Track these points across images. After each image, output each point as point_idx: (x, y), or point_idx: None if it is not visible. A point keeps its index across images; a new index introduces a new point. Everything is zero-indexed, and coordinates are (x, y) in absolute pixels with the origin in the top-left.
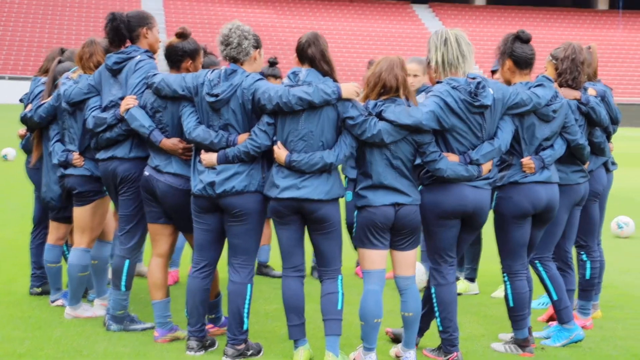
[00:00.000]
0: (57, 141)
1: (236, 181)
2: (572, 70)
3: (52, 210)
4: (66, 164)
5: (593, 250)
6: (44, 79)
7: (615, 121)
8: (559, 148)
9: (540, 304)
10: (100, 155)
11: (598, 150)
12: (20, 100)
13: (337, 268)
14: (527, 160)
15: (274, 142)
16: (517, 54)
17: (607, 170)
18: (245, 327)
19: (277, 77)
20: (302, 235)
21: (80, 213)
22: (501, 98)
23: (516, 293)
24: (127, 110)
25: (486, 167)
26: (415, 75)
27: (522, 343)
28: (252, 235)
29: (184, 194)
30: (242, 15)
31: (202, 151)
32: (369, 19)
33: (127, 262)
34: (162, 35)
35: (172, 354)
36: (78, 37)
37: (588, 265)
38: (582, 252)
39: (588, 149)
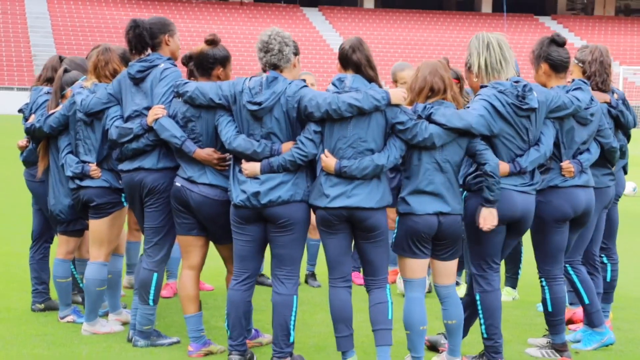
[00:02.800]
0: (69, 152)
1: (282, 191)
2: (601, 72)
3: (62, 223)
4: (82, 176)
5: (613, 253)
6: (46, 88)
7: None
8: (595, 152)
9: None
10: (125, 166)
11: (621, 153)
12: (20, 111)
13: (385, 277)
14: (566, 164)
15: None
16: (553, 58)
17: (625, 173)
18: (292, 339)
19: None
20: (350, 244)
21: (98, 226)
22: (544, 101)
23: (554, 298)
24: (156, 120)
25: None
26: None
27: (560, 348)
28: (298, 245)
29: (219, 204)
30: (128, 17)
31: (243, 161)
32: (260, 22)
33: (155, 275)
34: (49, 40)
35: None
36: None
37: (609, 267)
38: (602, 255)
39: (619, 152)
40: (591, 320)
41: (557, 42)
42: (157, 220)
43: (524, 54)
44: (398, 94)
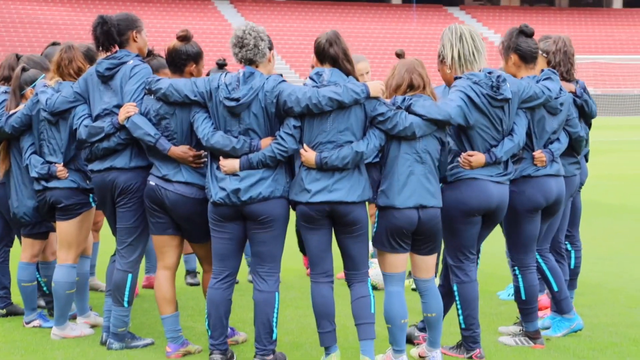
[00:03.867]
0: (32, 153)
1: (262, 187)
2: (565, 62)
3: (26, 226)
4: (48, 177)
5: (577, 240)
6: (3, 87)
7: None
8: (564, 141)
9: (509, 295)
10: (95, 166)
11: (584, 142)
12: None
13: (366, 271)
14: (538, 153)
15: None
16: (522, 48)
17: (586, 161)
18: (274, 336)
19: None
20: (330, 239)
21: (66, 227)
22: (517, 91)
23: (528, 286)
24: (128, 118)
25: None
26: (367, 73)
27: (533, 335)
28: (279, 242)
29: (195, 203)
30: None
31: (221, 158)
32: (171, 16)
33: (129, 276)
34: None
35: None
36: None
37: (573, 254)
38: (566, 242)
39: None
40: (560, 308)
41: (526, 32)
42: (131, 221)
43: (435, 45)
44: (377, 87)
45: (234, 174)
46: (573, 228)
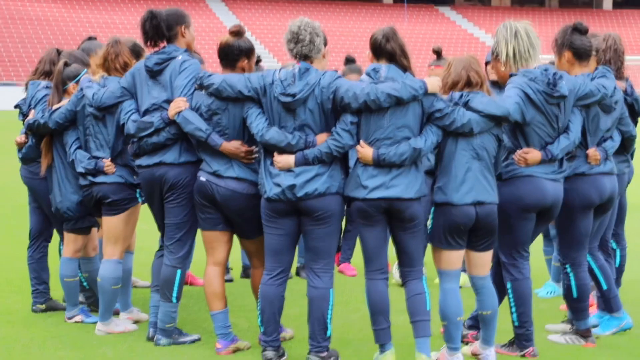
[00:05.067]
0: (77, 148)
1: (318, 183)
2: (616, 60)
3: (69, 221)
4: (95, 172)
5: (622, 239)
6: (44, 82)
7: None
8: (617, 139)
9: (548, 292)
10: (144, 161)
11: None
12: (16, 106)
13: (421, 268)
14: (592, 151)
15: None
16: (576, 46)
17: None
18: (328, 333)
19: None
20: (387, 236)
21: (113, 222)
22: (572, 89)
23: (580, 284)
24: (179, 113)
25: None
26: None
27: (584, 333)
28: (334, 238)
29: (247, 198)
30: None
31: (275, 153)
32: None
33: (179, 272)
34: None
35: None
36: None
37: (618, 252)
38: (611, 240)
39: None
40: (610, 306)
41: (580, 29)
42: (180, 216)
43: (426, 44)
44: (434, 83)
45: (289, 170)
46: (618, 226)
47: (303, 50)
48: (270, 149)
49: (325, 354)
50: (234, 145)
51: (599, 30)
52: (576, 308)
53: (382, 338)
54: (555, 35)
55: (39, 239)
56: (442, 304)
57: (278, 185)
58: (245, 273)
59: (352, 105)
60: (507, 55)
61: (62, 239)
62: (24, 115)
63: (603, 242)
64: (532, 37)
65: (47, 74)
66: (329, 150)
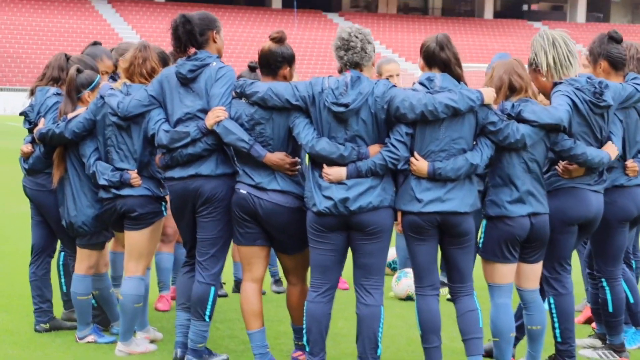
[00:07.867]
0: (97, 159)
1: (372, 196)
2: (639, 69)
3: (84, 236)
4: (120, 185)
5: (637, 250)
6: (53, 89)
7: None
8: None
9: None
10: (176, 173)
11: None
12: (22, 114)
13: (472, 283)
14: (631, 162)
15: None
16: (612, 55)
17: None
18: (379, 352)
19: None
20: (437, 251)
21: (137, 238)
22: (614, 97)
23: (616, 298)
24: (218, 122)
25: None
26: (397, 75)
27: (618, 348)
28: (384, 254)
29: (291, 212)
30: None
31: (324, 165)
32: (48, 15)
33: (212, 289)
34: None
35: None
36: None
37: (634, 264)
38: (630, 254)
39: None
40: (636, 320)
41: (616, 39)
42: (215, 231)
43: (316, 50)
44: (489, 94)
45: (340, 182)
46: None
47: (354, 57)
48: (319, 161)
49: None
50: (278, 157)
51: (480, 38)
52: (612, 323)
53: (434, 356)
54: (591, 44)
55: (42, 254)
56: (494, 320)
57: (329, 198)
58: (238, 287)
59: (409, 115)
60: (547, 64)
61: (66, 253)
62: (31, 123)
63: (625, 255)
64: (570, 45)
65: (55, 80)
66: (383, 162)
